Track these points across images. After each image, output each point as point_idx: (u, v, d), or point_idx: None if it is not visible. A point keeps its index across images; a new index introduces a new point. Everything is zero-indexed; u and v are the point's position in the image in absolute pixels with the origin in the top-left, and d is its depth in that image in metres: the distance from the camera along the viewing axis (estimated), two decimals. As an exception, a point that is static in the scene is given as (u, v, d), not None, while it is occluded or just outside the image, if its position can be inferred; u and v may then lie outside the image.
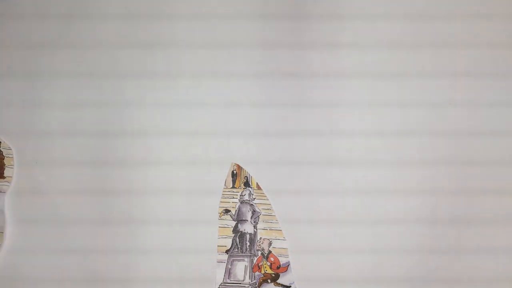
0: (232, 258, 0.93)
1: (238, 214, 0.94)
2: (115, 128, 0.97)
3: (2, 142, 0.94)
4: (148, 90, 0.97)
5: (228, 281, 0.92)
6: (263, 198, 0.94)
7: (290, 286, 0.92)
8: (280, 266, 0.93)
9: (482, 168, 0.94)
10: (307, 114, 0.95)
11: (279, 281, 0.92)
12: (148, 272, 0.94)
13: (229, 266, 0.93)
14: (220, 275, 0.93)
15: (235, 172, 0.95)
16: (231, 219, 0.94)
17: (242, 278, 0.92)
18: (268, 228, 0.93)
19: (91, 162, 0.96)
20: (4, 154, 0.94)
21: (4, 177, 0.94)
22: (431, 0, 0.97)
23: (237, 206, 0.94)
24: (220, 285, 0.92)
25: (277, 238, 0.93)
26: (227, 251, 0.93)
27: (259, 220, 0.94)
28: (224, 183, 0.95)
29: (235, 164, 0.95)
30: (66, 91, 0.98)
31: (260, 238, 0.93)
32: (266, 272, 0.93)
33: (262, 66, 0.96)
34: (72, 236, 0.95)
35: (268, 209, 0.94)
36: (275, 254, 0.93)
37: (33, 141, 0.97)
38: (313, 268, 0.93)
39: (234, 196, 0.94)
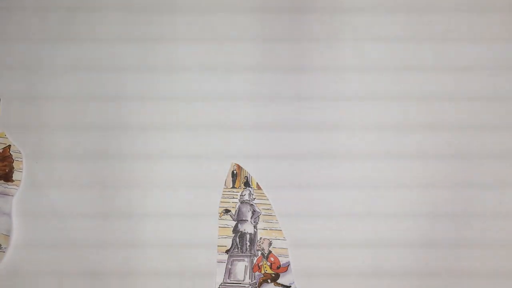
0: (232, 258, 0.93)
1: (238, 214, 0.94)
2: (115, 122, 0.97)
3: (12, 145, 0.94)
4: (148, 84, 0.97)
5: (228, 281, 0.92)
6: (263, 198, 0.94)
7: (290, 286, 0.92)
8: (280, 266, 0.92)
9: (482, 162, 0.94)
10: (307, 108, 0.95)
11: (279, 281, 0.92)
12: (148, 266, 0.94)
13: (229, 266, 0.93)
14: (220, 275, 0.92)
15: (235, 172, 0.94)
16: (231, 219, 0.94)
17: (242, 278, 0.92)
18: (268, 228, 0.93)
19: (92, 156, 0.96)
20: (13, 157, 0.94)
21: (12, 181, 0.93)
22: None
23: (237, 206, 0.94)
24: (220, 285, 0.92)
25: (277, 238, 0.93)
26: (227, 251, 0.93)
27: (259, 220, 0.94)
28: (224, 178, 0.95)
29: (235, 164, 0.95)
30: (66, 85, 0.98)
31: (260, 238, 0.93)
32: (266, 272, 0.93)
33: (262, 60, 0.97)
34: (72, 230, 0.95)
35: (268, 209, 0.94)
36: (275, 254, 0.93)
37: (33, 135, 0.97)
38: (313, 262, 0.93)
39: (234, 196, 0.94)
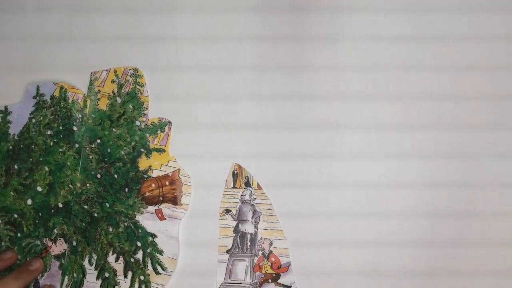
0: (233, 258, 0.93)
1: (239, 214, 0.94)
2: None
3: (181, 169, 0.93)
4: (148, 84, 0.96)
5: (229, 281, 0.92)
6: (264, 198, 0.94)
7: (291, 286, 0.92)
8: (281, 266, 0.92)
9: (483, 162, 0.94)
10: (307, 107, 0.95)
11: (280, 281, 0.92)
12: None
13: (230, 266, 0.93)
14: (221, 275, 0.92)
15: (236, 172, 0.94)
16: (232, 219, 0.94)
17: (243, 278, 0.92)
18: (269, 228, 0.93)
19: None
20: (182, 181, 0.93)
21: (181, 204, 0.93)
22: (433, -7, 0.96)
23: (238, 206, 0.94)
24: (221, 284, 0.92)
25: (278, 238, 0.93)
26: (228, 251, 0.93)
27: (260, 220, 0.93)
28: (224, 177, 0.94)
29: (236, 164, 0.94)
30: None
31: (261, 238, 0.93)
32: (267, 272, 0.93)
33: (262, 59, 0.96)
34: None
35: (269, 209, 0.94)
36: (276, 254, 0.93)
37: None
38: (313, 261, 0.93)
39: (235, 196, 0.94)
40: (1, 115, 0.96)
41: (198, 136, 0.95)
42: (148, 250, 0.92)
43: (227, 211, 0.94)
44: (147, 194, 0.94)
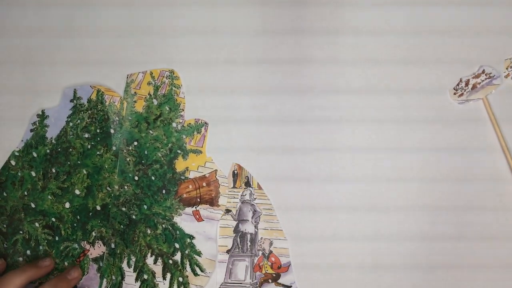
0: (233, 258, 0.93)
1: (239, 214, 0.94)
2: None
3: (219, 171, 0.94)
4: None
5: (229, 281, 0.92)
6: (264, 197, 0.94)
7: (291, 286, 0.92)
8: (281, 266, 0.92)
9: (484, 156, 0.93)
10: (308, 101, 0.95)
11: (280, 281, 0.92)
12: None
13: (230, 266, 0.93)
14: (221, 275, 0.92)
15: (236, 172, 0.94)
16: (232, 219, 0.94)
17: (243, 278, 0.92)
18: (269, 228, 0.93)
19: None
20: (219, 182, 0.94)
21: (218, 205, 0.93)
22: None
23: (238, 206, 0.94)
24: (221, 284, 0.92)
25: (278, 238, 0.93)
26: (228, 251, 0.93)
27: (260, 220, 0.93)
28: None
29: (236, 164, 0.94)
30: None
31: (261, 238, 0.93)
32: (267, 272, 0.93)
33: (262, 54, 0.96)
34: None
35: (269, 209, 0.93)
36: (276, 254, 0.93)
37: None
38: (313, 255, 0.92)
39: (235, 196, 0.94)
40: (39, 119, 0.96)
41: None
42: (186, 252, 0.92)
43: (227, 211, 0.94)
44: (185, 195, 0.94)
